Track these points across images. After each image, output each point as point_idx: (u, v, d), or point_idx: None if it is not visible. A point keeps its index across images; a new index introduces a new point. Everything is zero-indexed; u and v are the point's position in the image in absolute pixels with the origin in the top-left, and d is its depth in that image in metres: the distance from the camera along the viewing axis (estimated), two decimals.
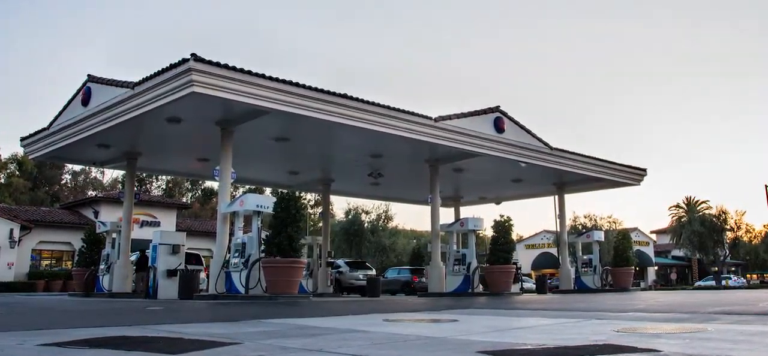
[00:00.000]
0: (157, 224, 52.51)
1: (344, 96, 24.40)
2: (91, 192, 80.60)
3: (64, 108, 28.58)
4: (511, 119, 31.62)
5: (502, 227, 31.56)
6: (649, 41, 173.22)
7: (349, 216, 79.19)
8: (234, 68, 21.40)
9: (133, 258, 32.43)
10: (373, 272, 42.76)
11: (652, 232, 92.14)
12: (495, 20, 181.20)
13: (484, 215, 33.80)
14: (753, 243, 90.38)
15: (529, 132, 32.50)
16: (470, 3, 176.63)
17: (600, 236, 40.69)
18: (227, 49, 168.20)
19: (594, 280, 37.86)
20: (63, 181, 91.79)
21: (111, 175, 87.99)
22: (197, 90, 20.72)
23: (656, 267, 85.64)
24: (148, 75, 22.56)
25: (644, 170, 40.16)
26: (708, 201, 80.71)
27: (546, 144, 33.15)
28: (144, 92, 22.91)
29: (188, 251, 30.19)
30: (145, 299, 26.15)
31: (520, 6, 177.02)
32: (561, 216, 40.91)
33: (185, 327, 8.99)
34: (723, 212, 77.94)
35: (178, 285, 26.48)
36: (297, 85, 22.93)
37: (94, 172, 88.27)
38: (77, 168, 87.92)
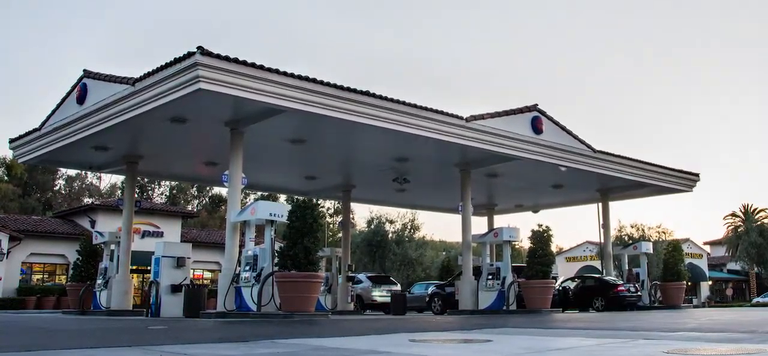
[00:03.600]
0: (159, 234, 52.58)
1: (367, 93, 24.41)
2: (87, 200, 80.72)
3: (58, 106, 28.67)
4: (550, 119, 31.55)
5: (541, 238, 31.40)
6: (699, 37, 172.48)
7: (372, 226, 79.14)
8: (245, 63, 21.44)
9: None
10: (398, 287, 42.74)
11: (705, 244, 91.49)
12: (531, 16, 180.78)
13: (521, 224, 33.83)
14: None
15: (569, 133, 32.41)
16: None
17: (648, 248, 40.51)
18: (238, 43, 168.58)
19: (643, 296, 37.68)
20: (56, 187, 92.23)
21: (109, 180, 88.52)
22: (204, 86, 20.77)
23: (710, 282, 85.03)
24: (151, 70, 22.62)
25: (697, 175, 39.96)
26: (767, 209, 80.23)
27: (588, 146, 33.04)
28: (146, 89, 22.99)
29: None
30: (147, 317, 26.27)
31: (558, 3, 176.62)
32: (605, 225, 40.77)
33: (190, 348, 9.04)
34: None
35: (183, 302, 26.60)
36: (315, 81, 22.96)
37: (91, 177, 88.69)
38: (72, 172, 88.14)
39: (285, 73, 22.27)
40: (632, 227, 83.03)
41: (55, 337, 12.55)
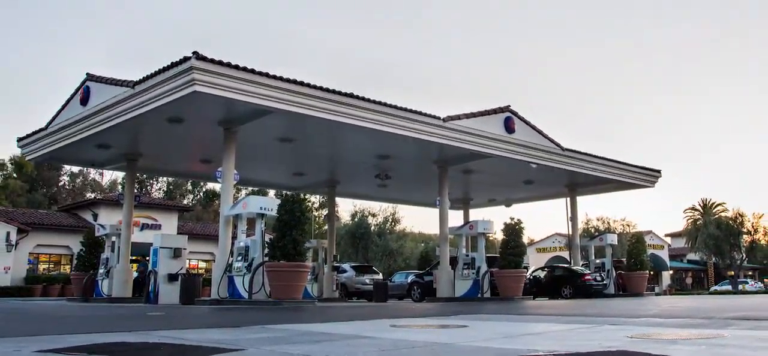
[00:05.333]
0: (157, 227, 52.46)
1: (350, 95, 24.39)
2: (89, 195, 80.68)
3: (63, 107, 28.59)
4: (521, 119, 31.59)
5: (513, 230, 31.44)
6: (661, 39, 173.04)
7: (356, 219, 79.31)
8: (237, 67, 21.40)
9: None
10: (380, 276, 42.72)
11: (666, 236, 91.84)
12: (505, 20, 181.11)
13: (494, 218, 33.83)
14: None
15: (540, 132, 32.46)
16: (480, 2, 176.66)
17: (613, 239, 40.67)
18: (231, 48, 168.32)
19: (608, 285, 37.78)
20: (61, 183, 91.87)
21: (110, 176, 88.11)
22: (199, 89, 20.74)
23: (671, 272, 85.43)
24: (149, 73, 22.58)
25: (658, 171, 40.08)
26: (724, 203, 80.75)
27: (558, 144, 33.11)
28: (144, 91, 22.93)
29: None
30: (146, 304, 26.20)
31: (530, 6, 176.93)
32: (573, 218, 40.88)
33: (187, 333, 9.00)
34: (740, 215, 77.75)
35: (180, 290, 26.59)
36: (302, 83, 22.93)
37: (93, 173, 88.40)
38: (76, 169, 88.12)
39: (274, 76, 22.23)
40: (598, 220, 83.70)
41: (69, 322, 12.48)
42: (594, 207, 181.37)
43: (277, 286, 22.35)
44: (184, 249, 28.95)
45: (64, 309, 20.23)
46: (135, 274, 32.22)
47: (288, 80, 22.59)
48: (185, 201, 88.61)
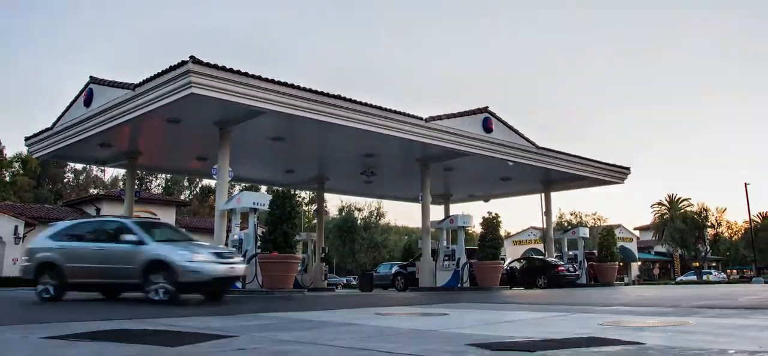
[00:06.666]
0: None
1: (337, 97, 24.35)
2: (92, 190, 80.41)
3: (67, 108, 28.49)
4: (498, 119, 31.61)
5: (491, 224, 31.50)
6: (633, 42, 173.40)
7: (343, 214, 79.43)
8: (231, 70, 21.34)
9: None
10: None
11: (635, 229, 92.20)
12: (486, 23, 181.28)
13: (474, 212, 33.86)
14: (733, 239, 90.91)
15: (516, 132, 32.49)
16: (462, 8, 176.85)
17: (585, 232, 40.73)
18: (227, 51, 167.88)
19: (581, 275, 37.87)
20: (66, 180, 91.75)
21: (112, 173, 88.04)
22: (196, 91, 20.67)
23: (640, 263, 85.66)
24: (149, 76, 22.51)
25: (628, 169, 40.16)
26: (689, 198, 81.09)
27: (533, 143, 33.14)
28: (144, 93, 22.84)
29: None
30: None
31: (507, 10, 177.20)
32: (547, 213, 40.97)
33: (184, 321, 8.96)
34: (704, 209, 78.33)
35: None
36: (292, 86, 22.88)
37: (96, 170, 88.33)
38: (79, 167, 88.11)
39: (266, 79, 22.19)
40: (571, 214, 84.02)
41: (73, 311, 12.42)
42: (567, 203, 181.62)
43: (269, 276, 22.37)
44: None
45: (69, 298, 20.14)
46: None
47: (279, 83, 22.55)
48: (183, 197, 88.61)
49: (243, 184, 66.17)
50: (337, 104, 24.37)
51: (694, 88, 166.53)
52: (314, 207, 48.58)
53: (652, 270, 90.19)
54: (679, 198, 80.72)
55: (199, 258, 15.17)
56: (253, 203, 23.43)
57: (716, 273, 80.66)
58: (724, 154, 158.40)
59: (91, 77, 27.07)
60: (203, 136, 27.35)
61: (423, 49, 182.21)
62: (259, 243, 23.15)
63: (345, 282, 63.32)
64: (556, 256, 39.16)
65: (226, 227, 24.96)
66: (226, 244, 23.93)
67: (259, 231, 23.78)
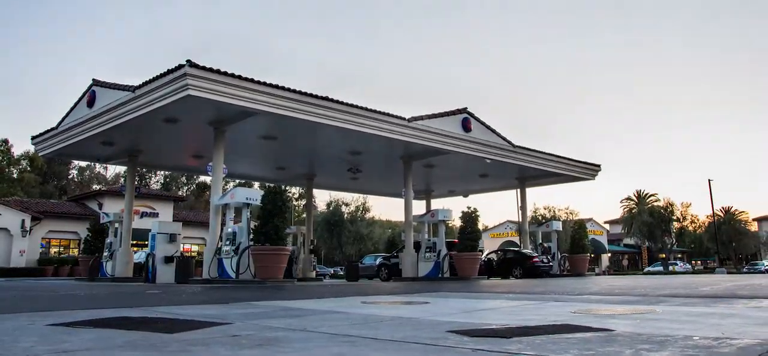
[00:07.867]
0: (155, 215, 52.43)
1: (325, 98, 24.35)
2: (95, 186, 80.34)
3: (71, 109, 28.46)
4: (477, 119, 31.66)
5: (470, 218, 31.55)
6: (606, 47, 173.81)
7: (331, 208, 79.49)
8: (226, 73, 21.32)
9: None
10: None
11: (605, 222, 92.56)
12: (460, 30, 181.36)
13: (453, 207, 33.90)
14: (697, 232, 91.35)
15: (494, 131, 32.54)
16: (445, 14, 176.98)
17: (558, 226, 40.84)
18: (224, 55, 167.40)
19: (554, 267, 37.97)
20: (70, 176, 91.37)
21: (114, 170, 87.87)
22: (192, 93, 20.65)
23: (609, 255, 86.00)
24: (148, 79, 22.52)
25: (598, 166, 40.30)
26: (656, 194, 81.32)
27: (509, 142, 33.21)
28: (144, 95, 22.82)
29: None
30: (145, 283, 26.06)
31: (486, 16, 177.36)
32: (523, 207, 41.07)
33: (181, 309, 8.92)
34: (670, 204, 78.59)
35: (175, 271, 26.53)
36: (283, 88, 22.88)
37: (99, 167, 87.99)
38: (83, 164, 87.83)
39: (259, 82, 22.18)
40: (545, 208, 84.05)
41: (77, 299, 12.35)
42: (541, 198, 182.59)
43: (261, 267, 22.36)
44: (179, 234, 28.99)
45: (73, 287, 20.04)
46: (142, 257, 32.24)
47: (271, 85, 22.54)
48: (180, 192, 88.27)
49: (237, 181, 66.05)
50: (324, 105, 24.37)
51: (663, 89, 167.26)
52: (303, 202, 48.63)
53: (621, 261, 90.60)
54: (647, 194, 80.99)
55: None
56: (246, 198, 23.41)
57: (682, 264, 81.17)
58: (690, 152, 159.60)
59: (93, 80, 27.04)
60: (199, 136, 27.32)
61: (406, 52, 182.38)
62: (251, 235, 23.14)
63: (332, 272, 63.22)
64: (530, 248, 39.26)
65: (220, 221, 24.94)
66: (221, 237, 23.97)
67: (252, 224, 23.77)
